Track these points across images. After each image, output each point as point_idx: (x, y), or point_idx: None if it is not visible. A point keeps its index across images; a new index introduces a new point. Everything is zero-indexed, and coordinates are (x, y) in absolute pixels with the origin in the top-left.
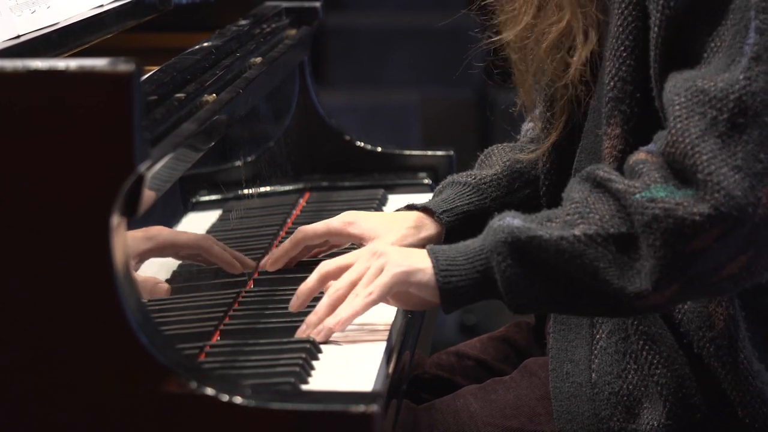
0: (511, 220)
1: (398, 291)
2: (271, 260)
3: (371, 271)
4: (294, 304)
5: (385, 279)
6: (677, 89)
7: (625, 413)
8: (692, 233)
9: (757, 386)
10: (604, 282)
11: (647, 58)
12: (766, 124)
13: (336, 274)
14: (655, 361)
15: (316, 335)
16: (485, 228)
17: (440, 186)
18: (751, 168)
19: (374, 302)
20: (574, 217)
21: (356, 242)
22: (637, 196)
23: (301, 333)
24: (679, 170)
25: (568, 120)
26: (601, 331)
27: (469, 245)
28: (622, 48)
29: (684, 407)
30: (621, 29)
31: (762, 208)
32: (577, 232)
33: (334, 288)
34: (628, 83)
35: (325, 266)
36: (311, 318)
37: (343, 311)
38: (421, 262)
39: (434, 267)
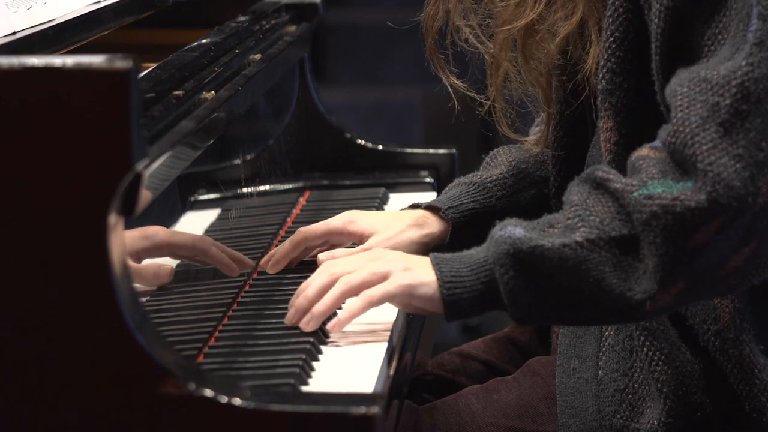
0: (513, 230)
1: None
2: (272, 263)
3: (375, 278)
4: (293, 316)
5: (389, 288)
6: (681, 81)
7: (629, 411)
8: (692, 227)
9: (763, 380)
10: (609, 286)
11: (639, 50)
12: None
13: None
14: (656, 358)
15: (305, 324)
16: (488, 236)
17: (446, 188)
18: (752, 157)
19: (374, 305)
20: (574, 221)
21: (356, 240)
22: (635, 194)
23: (290, 318)
24: (679, 161)
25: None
26: (609, 327)
27: (473, 255)
28: (612, 39)
29: (684, 405)
30: (611, 20)
31: (762, 197)
32: (578, 237)
33: (332, 294)
34: (617, 74)
35: (331, 268)
36: (301, 302)
37: (342, 312)
38: (426, 275)
39: (438, 280)
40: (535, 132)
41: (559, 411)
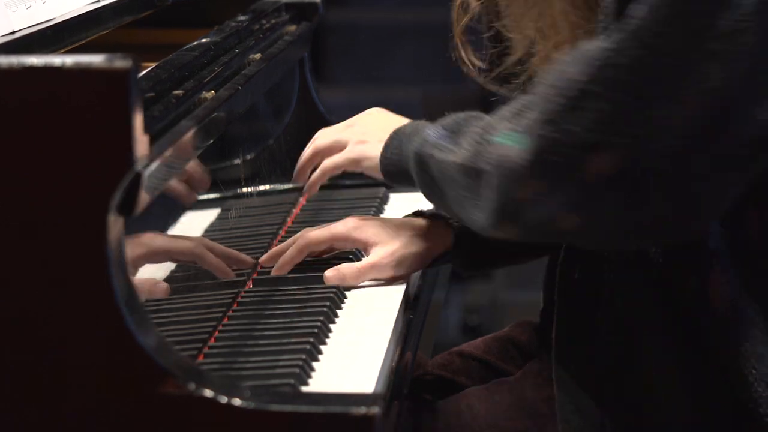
0: (432, 130)
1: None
2: (276, 268)
3: (336, 146)
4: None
5: (337, 160)
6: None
7: (630, 410)
8: (515, 182)
9: (761, 370)
10: (464, 209)
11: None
12: (619, 102)
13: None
14: (653, 358)
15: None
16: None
17: None
18: (585, 136)
19: (327, 175)
20: (467, 143)
21: (360, 248)
22: (490, 137)
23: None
24: (521, 115)
25: None
26: (603, 323)
27: (417, 134)
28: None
29: (681, 406)
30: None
31: (591, 176)
32: (457, 159)
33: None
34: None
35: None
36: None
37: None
38: (373, 150)
39: (381, 157)
40: None
41: (558, 407)
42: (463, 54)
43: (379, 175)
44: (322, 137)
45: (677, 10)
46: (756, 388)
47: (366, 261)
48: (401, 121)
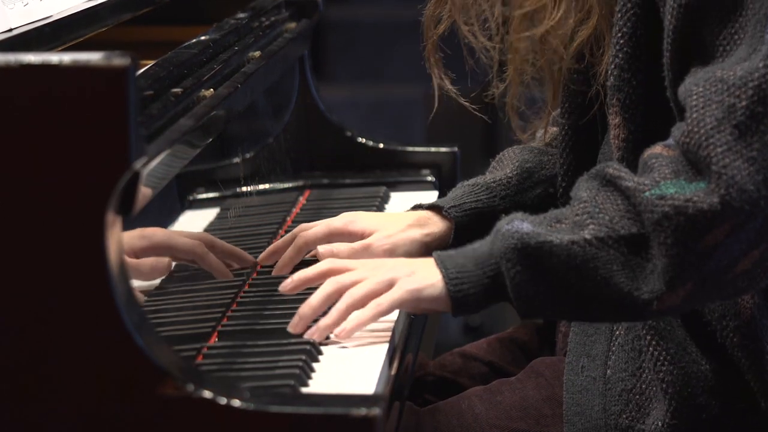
0: (520, 224)
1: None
2: (276, 269)
3: (380, 287)
4: (297, 324)
5: (396, 295)
6: (696, 80)
7: (636, 411)
8: (704, 229)
9: None
10: (617, 285)
11: (648, 46)
12: None
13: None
14: (662, 358)
15: (310, 335)
16: (493, 229)
17: (450, 191)
18: (766, 160)
19: (383, 314)
20: (583, 217)
21: (358, 239)
22: (647, 193)
23: (293, 326)
24: (693, 162)
25: (591, 118)
26: (620, 327)
27: (477, 249)
28: (620, 35)
29: (690, 406)
30: (620, 15)
31: None
32: (587, 235)
33: (338, 308)
34: (625, 71)
35: (336, 278)
36: (306, 311)
37: (350, 322)
38: (431, 276)
39: (444, 277)
40: (541, 134)
41: (565, 408)
42: (436, 71)
43: (443, 305)
44: (349, 285)
45: None
46: None
47: (361, 242)
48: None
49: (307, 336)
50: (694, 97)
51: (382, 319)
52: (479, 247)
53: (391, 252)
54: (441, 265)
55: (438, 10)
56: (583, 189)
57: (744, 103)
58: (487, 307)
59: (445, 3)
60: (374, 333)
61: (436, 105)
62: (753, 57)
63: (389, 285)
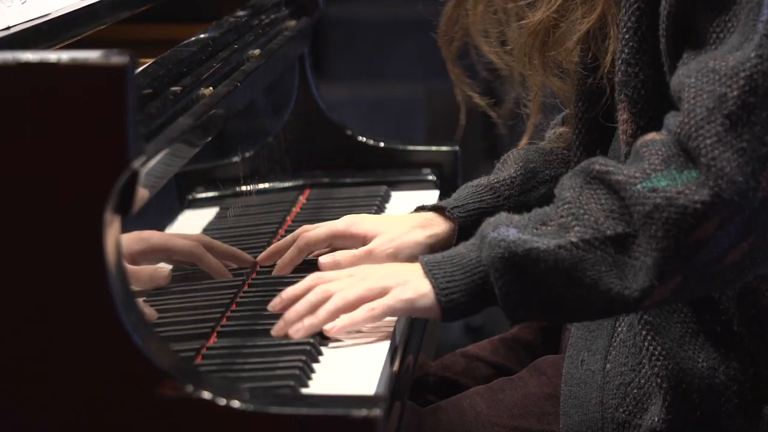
0: (506, 231)
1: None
2: (276, 269)
3: (372, 293)
4: (276, 305)
5: (390, 303)
6: (689, 71)
7: (633, 406)
8: (694, 222)
9: None
10: (606, 285)
11: (654, 40)
12: None
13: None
14: (657, 353)
15: (294, 332)
16: (478, 232)
17: (454, 192)
18: (755, 151)
19: (375, 320)
20: (568, 219)
21: (360, 243)
22: (638, 186)
23: (277, 330)
24: (684, 150)
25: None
26: (622, 324)
27: (465, 255)
28: (625, 30)
29: (684, 403)
30: (625, 10)
31: (762, 192)
32: (573, 238)
33: (326, 308)
34: (631, 66)
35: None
36: (291, 316)
37: (341, 321)
38: (421, 286)
39: (435, 288)
40: (551, 134)
41: (562, 401)
42: (463, 86)
43: (435, 314)
44: (338, 289)
45: None
46: None
47: (363, 248)
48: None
49: (290, 332)
50: (686, 88)
51: (382, 319)
52: (467, 253)
53: (395, 256)
54: (429, 274)
55: (452, 28)
56: (567, 188)
57: (735, 93)
58: (476, 313)
59: (456, 22)
60: (375, 333)
61: (463, 122)
62: (745, 46)
63: (382, 293)
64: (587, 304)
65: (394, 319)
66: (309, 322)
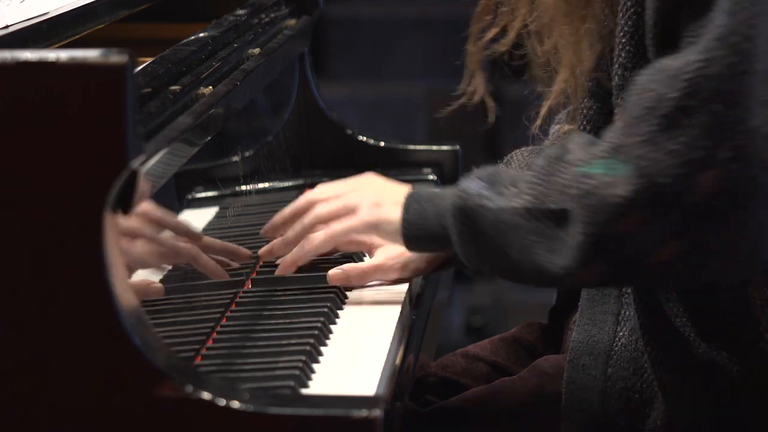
0: (470, 183)
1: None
2: (279, 269)
3: (344, 211)
4: (267, 229)
5: (352, 224)
6: (645, 69)
7: (635, 410)
8: (615, 215)
9: None
10: (534, 255)
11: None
12: (716, 113)
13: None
14: (659, 358)
15: (277, 248)
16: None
17: None
18: (689, 154)
19: (335, 239)
20: (526, 186)
21: (365, 249)
22: (577, 169)
23: (264, 230)
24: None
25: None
26: (624, 328)
27: (442, 200)
28: (622, 34)
29: (684, 409)
30: (621, 14)
31: (697, 197)
32: (518, 204)
33: (302, 221)
34: (628, 70)
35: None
36: (276, 219)
37: (304, 243)
38: (392, 213)
39: (403, 221)
40: (555, 130)
41: (563, 405)
42: (477, 80)
43: (396, 241)
44: (321, 202)
45: (759, 10)
46: None
47: (372, 262)
48: (402, 185)
49: (278, 261)
50: (636, 84)
51: (383, 319)
52: (442, 195)
53: (404, 268)
54: (405, 208)
55: (487, 16)
56: (542, 157)
57: (674, 95)
58: (440, 250)
59: (491, 12)
60: (375, 334)
61: (492, 118)
62: (692, 48)
63: (352, 211)
64: (520, 268)
65: (395, 319)
66: (287, 237)
